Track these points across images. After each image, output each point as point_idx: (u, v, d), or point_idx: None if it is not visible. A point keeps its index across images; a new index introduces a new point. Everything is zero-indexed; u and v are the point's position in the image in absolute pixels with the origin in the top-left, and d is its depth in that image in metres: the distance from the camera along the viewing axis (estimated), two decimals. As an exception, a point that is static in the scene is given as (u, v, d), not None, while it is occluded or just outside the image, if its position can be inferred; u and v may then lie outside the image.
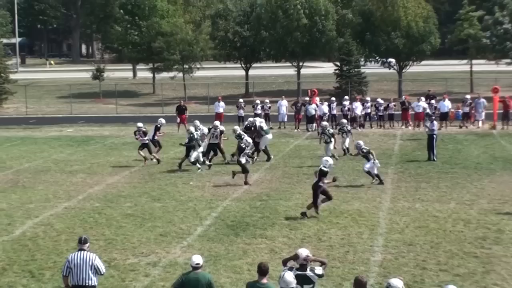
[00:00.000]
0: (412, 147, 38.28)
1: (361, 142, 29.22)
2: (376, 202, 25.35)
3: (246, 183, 28.31)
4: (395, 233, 21.39)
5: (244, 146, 29.04)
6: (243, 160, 28.64)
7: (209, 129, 33.77)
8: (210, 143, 33.54)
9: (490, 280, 17.36)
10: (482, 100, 46.25)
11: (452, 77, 68.04)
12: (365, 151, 28.61)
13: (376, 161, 28.37)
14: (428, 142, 33.85)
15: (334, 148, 32.96)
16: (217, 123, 34.34)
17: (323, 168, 23.25)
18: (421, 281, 17.29)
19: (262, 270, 12.48)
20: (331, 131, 33.34)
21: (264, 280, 12.46)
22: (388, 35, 63.56)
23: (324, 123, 35.23)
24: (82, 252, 13.98)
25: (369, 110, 46.87)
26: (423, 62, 69.97)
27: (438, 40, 65.59)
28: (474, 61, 67.50)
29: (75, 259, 13.90)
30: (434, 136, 33.59)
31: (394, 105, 47.52)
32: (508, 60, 64.16)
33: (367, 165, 28.32)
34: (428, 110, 44.22)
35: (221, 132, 33.83)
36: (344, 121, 36.48)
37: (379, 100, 48.30)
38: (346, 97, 49.60)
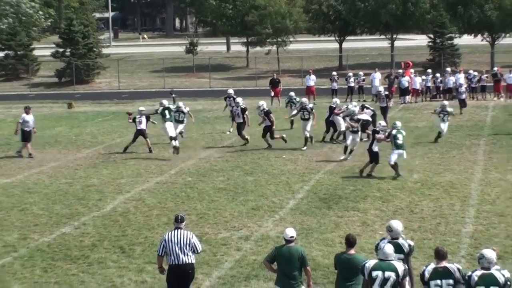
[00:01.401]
0: (504, 118, 37.83)
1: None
2: (468, 173, 25.33)
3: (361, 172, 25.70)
4: (486, 204, 21.40)
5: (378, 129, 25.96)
6: (375, 148, 25.62)
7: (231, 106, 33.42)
8: (238, 123, 32.48)
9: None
10: None
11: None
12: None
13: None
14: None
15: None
16: (239, 99, 33.20)
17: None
18: (513, 252, 17.34)
19: (350, 242, 12.70)
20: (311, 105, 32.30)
21: (352, 251, 12.70)
22: (481, 7, 62.63)
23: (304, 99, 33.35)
24: (179, 230, 13.89)
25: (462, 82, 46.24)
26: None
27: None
28: None
29: (172, 238, 13.75)
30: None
31: (487, 77, 46.90)
32: None
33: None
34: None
35: (243, 110, 32.34)
36: (446, 102, 33.67)
37: (472, 71, 47.76)
38: (448, 69, 49.45)
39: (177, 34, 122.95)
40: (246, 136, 32.20)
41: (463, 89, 42.78)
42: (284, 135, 31.60)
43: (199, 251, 14.05)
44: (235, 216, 20.96)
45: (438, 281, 11.46)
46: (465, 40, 69.17)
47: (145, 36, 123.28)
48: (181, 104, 32.39)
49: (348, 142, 28.30)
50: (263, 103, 31.94)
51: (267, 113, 31.07)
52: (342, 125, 31.11)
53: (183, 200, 23.01)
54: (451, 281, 11.46)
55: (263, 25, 68.13)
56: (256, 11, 68.90)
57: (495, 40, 65.52)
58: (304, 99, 32.97)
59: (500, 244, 17.57)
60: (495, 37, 65.36)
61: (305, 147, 30.61)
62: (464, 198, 22.23)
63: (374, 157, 25.38)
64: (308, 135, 31.02)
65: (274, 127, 31.35)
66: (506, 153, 28.75)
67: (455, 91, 44.98)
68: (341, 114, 30.98)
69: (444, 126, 31.74)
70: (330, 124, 32.28)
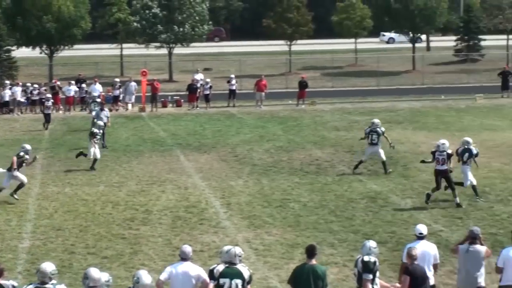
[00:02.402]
0: (63, 131, 38.04)
1: None
2: (25, 188, 24.86)
3: None
4: (44, 219, 21.26)
5: None
6: None
7: None
8: None
9: (138, 260, 17.81)
10: (132, 83, 47.03)
11: (103, 61, 68.52)
12: None
13: None
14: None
15: None
16: None
17: None
18: (70, 265, 17.36)
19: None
20: None
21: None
22: (39, 19, 62.51)
23: None
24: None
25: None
26: (75, 46, 69.67)
27: (89, 24, 65.60)
28: (124, 45, 68.57)
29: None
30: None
31: (45, 90, 46.81)
32: (157, 44, 65.71)
33: None
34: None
35: None
36: None
37: (29, 84, 47.39)
38: (7, 82, 48.28)
39: None
40: None
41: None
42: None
43: None
44: None
45: None
46: (23, 52, 68.58)
47: None
48: None
49: None
50: None
51: None
52: None
53: None
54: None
55: None
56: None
57: (53, 52, 65.79)
58: None
59: (57, 258, 17.54)
60: (53, 49, 65.63)
61: None
62: (21, 213, 21.88)
63: None
64: None
65: None
66: (63, 166, 28.84)
67: (12, 104, 44.39)
68: None
69: None
70: None
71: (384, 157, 26.68)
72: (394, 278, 15.66)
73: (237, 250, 12.60)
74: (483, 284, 13.54)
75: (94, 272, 11.39)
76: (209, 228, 20.41)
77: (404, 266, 13.22)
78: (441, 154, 22.18)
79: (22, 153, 23.99)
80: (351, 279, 15.28)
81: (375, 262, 12.71)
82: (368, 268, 12.63)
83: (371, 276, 12.64)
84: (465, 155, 22.67)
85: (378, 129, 26.62)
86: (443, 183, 22.42)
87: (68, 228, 20.38)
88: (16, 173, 23.55)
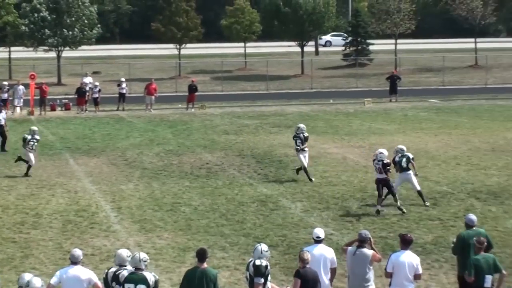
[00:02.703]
0: None
1: None
2: None
3: None
4: None
5: None
6: None
7: None
8: None
9: (28, 264, 17.65)
10: (21, 86, 46.25)
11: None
12: None
13: None
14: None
15: None
16: None
17: None
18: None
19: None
20: None
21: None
22: None
23: None
24: None
25: None
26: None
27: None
28: (12, 48, 67.34)
29: None
30: None
31: None
32: (45, 47, 64.77)
33: None
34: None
35: None
36: None
37: None
38: None
39: None
40: None
41: None
42: None
43: None
44: None
45: None
46: None
47: None
48: None
49: None
50: None
51: None
52: None
53: None
54: None
55: None
56: None
57: None
58: None
59: None
60: None
61: None
62: None
63: None
64: None
65: None
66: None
67: None
68: None
69: None
70: None
71: (306, 164, 26.59)
72: (285, 281, 15.98)
73: (142, 255, 12.64)
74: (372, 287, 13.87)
75: None
76: (100, 232, 20.34)
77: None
78: (378, 163, 22.48)
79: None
80: (243, 283, 15.53)
81: (266, 266, 12.89)
82: (259, 272, 12.81)
83: (262, 280, 12.82)
84: (402, 161, 22.81)
85: (302, 134, 26.71)
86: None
87: (-44, 233, 20.01)
88: None
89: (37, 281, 11.61)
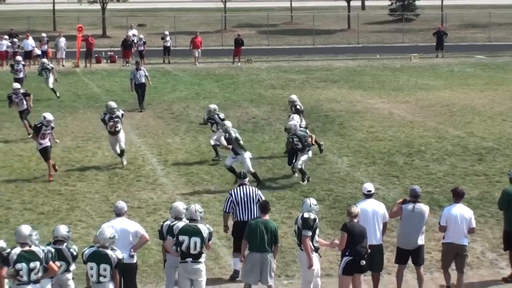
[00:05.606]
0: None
1: None
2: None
3: None
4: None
5: None
6: None
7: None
8: None
9: (75, 216, 17.66)
10: (62, 38, 46.12)
11: (35, 16, 67.25)
12: None
13: None
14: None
15: None
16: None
17: None
18: (6, 221, 17.15)
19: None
20: None
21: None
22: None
23: None
24: (244, 186, 14.54)
25: None
26: (7, 1, 68.42)
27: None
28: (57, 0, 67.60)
29: (240, 194, 14.41)
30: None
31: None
32: (90, -1, 65.01)
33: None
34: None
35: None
36: None
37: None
38: None
39: None
40: None
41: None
42: None
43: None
44: None
45: None
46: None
47: None
48: None
49: None
50: None
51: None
52: None
53: None
54: None
55: None
56: None
57: None
58: None
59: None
60: None
61: None
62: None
63: None
64: None
65: None
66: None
67: None
68: None
69: None
70: None
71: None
72: (332, 235, 15.83)
73: (197, 206, 12.63)
74: (423, 242, 13.68)
75: (25, 228, 11.31)
76: (146, 185, 20.30)
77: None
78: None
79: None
80: (289, 236, 15.42)
81: (315, 219, 12.77)
82: (307, 224, 12.70)
83: (310, 233, 12.71)
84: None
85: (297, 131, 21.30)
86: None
87: (4, 184, 20.09)
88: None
89: (108, 231, 11.84)
